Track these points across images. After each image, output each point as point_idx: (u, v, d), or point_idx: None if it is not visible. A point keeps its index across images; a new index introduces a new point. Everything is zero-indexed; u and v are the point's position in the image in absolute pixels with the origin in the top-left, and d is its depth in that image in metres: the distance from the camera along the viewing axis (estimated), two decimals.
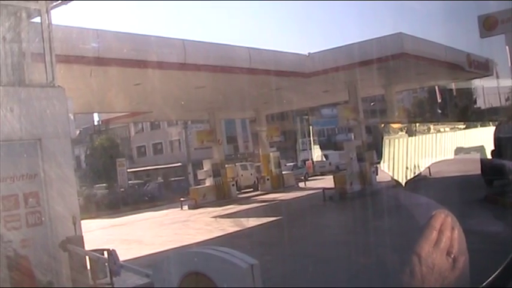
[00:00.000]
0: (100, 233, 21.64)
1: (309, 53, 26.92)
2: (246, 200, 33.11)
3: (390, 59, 24.03)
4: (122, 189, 41.87)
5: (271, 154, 38.65)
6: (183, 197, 33.39)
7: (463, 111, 55.07)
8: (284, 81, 26.38)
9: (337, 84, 28.74)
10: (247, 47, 24.38)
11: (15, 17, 11.39)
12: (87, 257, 10.49)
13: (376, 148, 31.80)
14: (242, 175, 40.88)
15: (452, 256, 1.35)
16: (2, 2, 10.95)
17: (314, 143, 61.11)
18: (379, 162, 29.15)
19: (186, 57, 21.11)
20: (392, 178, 25.15)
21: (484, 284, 1.44)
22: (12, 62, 11.16)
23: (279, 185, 37.48)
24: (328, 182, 30.82)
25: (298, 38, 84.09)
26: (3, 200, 10.32)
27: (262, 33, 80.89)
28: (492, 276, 1.44)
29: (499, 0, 20.20)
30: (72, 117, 11.80)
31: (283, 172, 40.15)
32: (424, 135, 32.76)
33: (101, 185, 43.29)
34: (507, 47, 20.72)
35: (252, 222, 22.28)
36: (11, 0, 11.22)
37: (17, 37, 11.39)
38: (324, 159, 54.22)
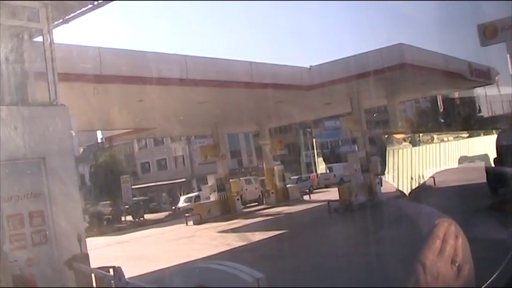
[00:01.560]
0: (106, 250, 21.61)
1: (311, 66, 27.00)
2: (251, 214, 33.02)
3: (391, 70, 24.07)
4: (127, 206, 41.91)
5: (275, 167, 38.58)
6: (187, 213, 33.36)
7: (466, 120, 54.93)
8: (286, 95, 26.43)
9: (339, 96, 28.76)
10: (249, 61, 24.43)
11: (18, 37, 11.48)
12: (93, 275, 10.47)
13: (380, 159, 31.70)
14: (247, 189, 40.70)
15: (456, 264, 1.35)
16: (5, 22, 11.04)
17: (318, 156, 61.01)
18: (383, 173, 29.05)
19: (188, 73, 21.17)
20: (397, 189, 25.07)
21: (484, 285, 1.44)
22: (16, 81, 11.22)
23: (284, 198, 37.37)
24: (333, 194, 30.75)
25: (295, 51, 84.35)
26: (9, 219, 10.33)
27: (258, 47, 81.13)
28: (491, 279, 1.45)
29: (498, 7, 20.21)
30: (75, 135, 11.83)
31: (288, 185, 40.11)
32: (427, 145, 32.70)
33: (105, 202, 43.31)
34: (508, 55, 20.66)
35: (258, 236, 22.21)
36: (14, 16, 11.31)
37: (20, 57, 11.47)
38: (328, 171, 54.10)
